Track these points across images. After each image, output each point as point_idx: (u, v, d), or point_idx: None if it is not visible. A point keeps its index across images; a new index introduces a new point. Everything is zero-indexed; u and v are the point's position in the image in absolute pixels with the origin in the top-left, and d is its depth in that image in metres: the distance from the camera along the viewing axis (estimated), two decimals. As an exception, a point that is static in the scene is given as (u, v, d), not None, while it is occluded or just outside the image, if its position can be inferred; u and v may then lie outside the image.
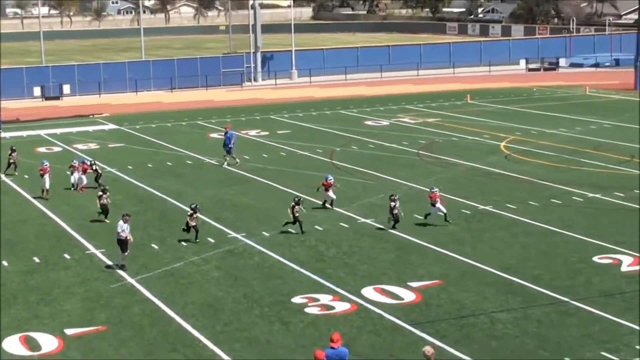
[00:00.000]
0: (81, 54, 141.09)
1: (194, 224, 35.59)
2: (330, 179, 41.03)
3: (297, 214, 36.34)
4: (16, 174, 49.52)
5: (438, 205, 37.30)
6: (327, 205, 41.00)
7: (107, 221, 38.91)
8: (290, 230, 36.86)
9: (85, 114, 76.40)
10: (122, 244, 32.68)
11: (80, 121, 72.65)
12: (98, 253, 35.02)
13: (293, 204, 36.56)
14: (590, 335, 25.56)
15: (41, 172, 44.47)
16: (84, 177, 46.15)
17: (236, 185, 46.71)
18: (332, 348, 20.40)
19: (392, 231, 36.78)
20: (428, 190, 38.42)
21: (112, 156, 55.90)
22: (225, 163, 51.62)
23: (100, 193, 39.53)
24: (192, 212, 35.69)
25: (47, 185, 44.31)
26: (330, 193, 40.89)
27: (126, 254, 32.80)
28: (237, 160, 51.88)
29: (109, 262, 33.59)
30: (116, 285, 31.11)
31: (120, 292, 30.41)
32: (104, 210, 39.31)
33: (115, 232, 33.07)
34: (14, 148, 51.22)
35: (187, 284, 30.98)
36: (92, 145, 60.57)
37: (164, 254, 34.56)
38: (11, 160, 50.16)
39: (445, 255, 33.48)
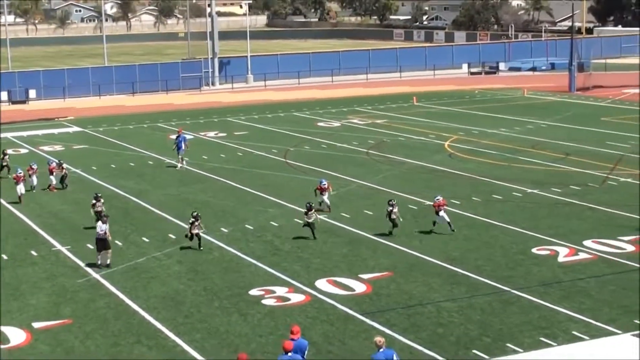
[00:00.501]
0: (46, 60, 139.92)
1: (196, 231, 33.80)
2: (324, 184, 39.33)
3: (310, 220, 34.62)
4: (9, 176, 48.45)
5: (442, 214, 35.22)
6: (323, 209, 38.86)
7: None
8: (305, 235, 35.11)
9: (50, 117, 75.74)
10: (100, 242, 32.07)
11: (45, 124, 72.00)
12: (64, 250, 34.75)
13: (306, 209, 34.80)
14: (530, 322, 25.73)
15: (15, 180, 43.57)
16: (52, 177, 45.73)
17: (195, 184, 46.53)
18: (292, 339, 20.25)
19: (344, 226, 36.81)
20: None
21: (77, 157, 55.45)
22: (183, 164, 51.19)
23: (94, 201, 37.72)
24: (193, 219, 33.98)
25: (23, 191, 43.16)
26: (325, 198, 39.14)
27: (109, 252, 32.15)
28: (182, 163, 50.99)
29: (75, 259, 33.36)
30: (81, 280, 30.88)
31: (86, 286, 30.19)
32: (99, 217, 37.12)
33: (96, 232, 32.44)
34: (5, 152, 50.43)
35: (149, 278, 30.82)
36: (57, 147, 60.07)
37: (127, 250, 34.35)
38: (4, 163, 49.32)
39: (394, 249, 33.55)
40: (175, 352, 24.38)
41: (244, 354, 19.98)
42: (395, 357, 19.57)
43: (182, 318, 26.93)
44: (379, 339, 19.98)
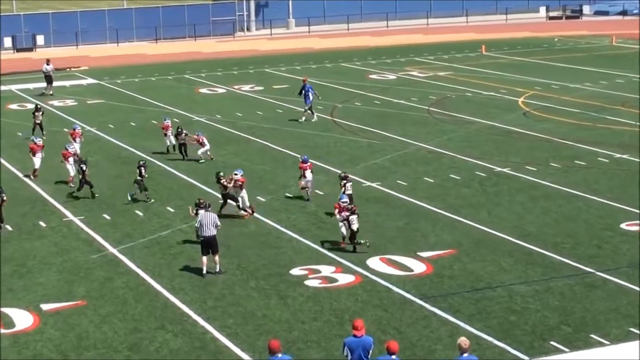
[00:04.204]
0: (56, 1, 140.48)
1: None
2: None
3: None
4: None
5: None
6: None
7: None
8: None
9: (61, 68, 76.04)
10: (209, 244, 28.92)
11: (56, 75, 72.29)
12: (77, 220, 34.96)
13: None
14: (618, 309, 25.55)
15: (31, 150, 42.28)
16: None
17: (228, 146, 46.61)
18: (355, 336, 19.83)
19: (400, 195, 36.71)
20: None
21: (92, 114, 55.77)
22: (314, 117, 52.06)
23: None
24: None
25: (37, 165, 41.31)
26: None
27: (217, 256, 28.98)
28: (315, 117, 52.16)
29: (89, 231, 33.55)
30: (97, 255, 31.06)
31: (101, 263, 30.36)
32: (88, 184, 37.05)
33: (195, 228, 29.98)
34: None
35: (174, 254, 30.91)
36: (70, 102, 60.42)
37: (149, 221, 34.48)
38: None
39: (459, 222, 33.41)
40: (204, 340, 24.46)
41: (275, 341, 19.66)
42: None
43: (213, 301, 27.01)
44: (464, 340, 19.00)
